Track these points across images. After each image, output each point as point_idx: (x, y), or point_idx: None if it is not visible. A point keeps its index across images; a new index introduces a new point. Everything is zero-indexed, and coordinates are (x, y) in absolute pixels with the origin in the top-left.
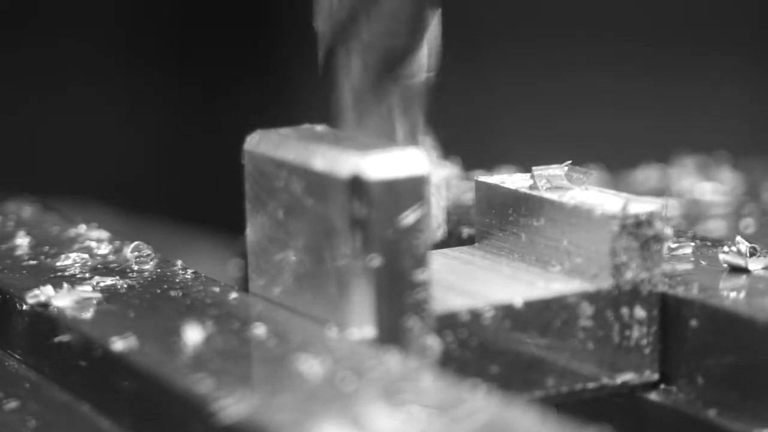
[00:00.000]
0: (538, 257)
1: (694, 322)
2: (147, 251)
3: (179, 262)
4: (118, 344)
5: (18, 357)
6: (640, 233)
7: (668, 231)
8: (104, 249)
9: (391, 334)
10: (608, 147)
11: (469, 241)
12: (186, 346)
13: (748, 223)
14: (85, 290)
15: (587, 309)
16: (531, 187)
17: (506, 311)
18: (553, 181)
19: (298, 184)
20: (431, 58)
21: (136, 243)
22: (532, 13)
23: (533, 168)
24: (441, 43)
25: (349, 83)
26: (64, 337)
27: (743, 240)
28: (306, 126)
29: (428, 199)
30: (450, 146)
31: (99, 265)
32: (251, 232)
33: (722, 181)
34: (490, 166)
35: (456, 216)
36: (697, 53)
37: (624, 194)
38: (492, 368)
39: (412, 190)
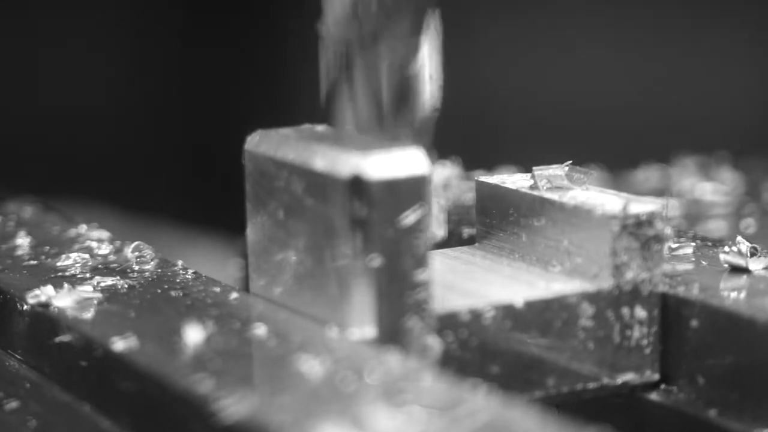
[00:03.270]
0: (539, 257)
1: (694, 322)
2: (147, 251)
3: (180, 262)
4: (119, 344)
5: (18, 357)
6: (640, 233)
7: (669, 231)
8: (105, 249)
9: (392, 334)
10: (608, 147)
11: (470, 241)
12: (186, 346)
13: (749, 223)
14: (86, 290)
15: (588, 309)
16: (531, 187)
17: (507, 311)
18: (554, 181)
19: (299, 184)
20: (433, 90)
21: (136, 243)
22: (532, 12)
23: (533, 168)
24: (442, 75)
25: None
26: (64, 337)
27: (744, 240)
28: (306, 126)
29: (430, 199)
30: (450, 146)
31: (99, 265)
32: (252, 232)
33: (723, 181)
34: (490, 166)
35: (456, 216)
36: (697, 53)
37: (624, 194)
38: (492, 368)
39: (413, 190)
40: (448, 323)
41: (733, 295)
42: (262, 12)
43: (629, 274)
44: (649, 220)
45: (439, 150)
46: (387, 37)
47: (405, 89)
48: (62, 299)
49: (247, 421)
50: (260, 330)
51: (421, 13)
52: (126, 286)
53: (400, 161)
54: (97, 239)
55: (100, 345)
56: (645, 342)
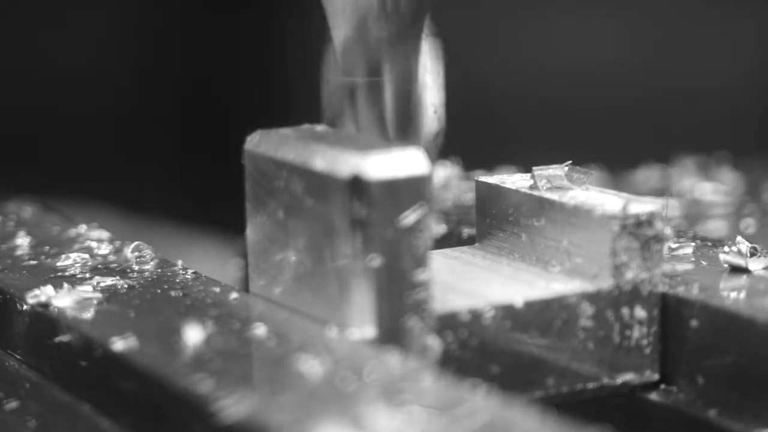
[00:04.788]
0: (539, 257)
1: (694, 323)
2: (147, 251)
3: (179, 262)
4: (119, 344)
5: (18, 357)
6: (640, 233)
7: (668, 231)
8: (104, 249)
9: (392, 334)
10: (608, 147)
11: (470, 241)
12: (186, 346)
13: (749, 223)
14: (86, 290)
15: (587, 309)
16: (531, 187)
17: (506, 311)
18: (554, 181)
19: (299, 184)
20: (438, 112)
21: (136, 243)
22: (532, 12)
23: (533, 168)
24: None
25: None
26: (64, 337)
27: (744, 240)
28: (306, 126)
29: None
30: (450, 146)
31: (99, 265)
32: (251, 232)
33: (723, 181)
34: (490, 166)
35: (456, 216)
36: (698, 52)
37: (624, 194)
38: (492, 368)
39: (412, 190)
40: (448, 323)
41: (733, 295)
42: (262, 12)
43: (629, 274)
44: (649, 220)
45: (439, 150)
46: (390, 57)
47: (409, 113)
48: (62, 299)
49: (247, 421)
50: (260, 330)
51: (419, 27)
52: (126, 286)
53: (400, 161)
54: (97, 239)
55: (100, 345)
56: (645, 342)
